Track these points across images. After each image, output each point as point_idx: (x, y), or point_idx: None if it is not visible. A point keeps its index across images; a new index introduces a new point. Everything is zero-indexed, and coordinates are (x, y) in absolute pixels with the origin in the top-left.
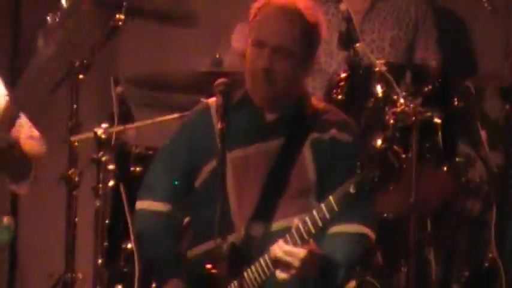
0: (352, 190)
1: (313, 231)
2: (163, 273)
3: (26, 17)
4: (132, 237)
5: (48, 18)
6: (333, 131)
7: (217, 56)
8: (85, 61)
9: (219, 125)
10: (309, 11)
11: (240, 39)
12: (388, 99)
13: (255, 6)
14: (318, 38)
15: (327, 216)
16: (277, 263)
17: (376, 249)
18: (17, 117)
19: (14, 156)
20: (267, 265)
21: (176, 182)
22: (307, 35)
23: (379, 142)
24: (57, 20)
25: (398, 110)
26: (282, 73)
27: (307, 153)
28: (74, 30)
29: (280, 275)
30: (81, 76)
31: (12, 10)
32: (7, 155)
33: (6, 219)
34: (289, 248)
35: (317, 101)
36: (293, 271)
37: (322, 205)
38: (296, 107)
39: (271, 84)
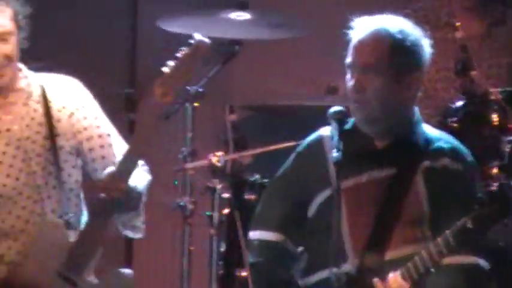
0: (470, 225)
1: (430, 265)
2: None
3: (142, 53)
4: (246, 265)
5: (165, 68)
6: (446, 160)
7: (332, 84)
8: (200, 89)
9: (334, 153)
10: (400, 35)
11: None
12: (504, 128)
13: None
14: (414, 59)
15: (444, 251)
16: None
17: (491, 278)
18: (135, 167)
19: (129, 200)
20: None
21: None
22: (397, 54)
23: (494, 171)
24: (173, 68)
25: None
26: (372, 92)
27: (419, 182)
28: (190, 76)
29: None
30: (196, 104)
31: (129, 46)
32: (124, 202)
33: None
34: (403, 283)
35: (430, 129)
36: None
37: (439, 239)
38: (407, 134)
39: (364, 104)
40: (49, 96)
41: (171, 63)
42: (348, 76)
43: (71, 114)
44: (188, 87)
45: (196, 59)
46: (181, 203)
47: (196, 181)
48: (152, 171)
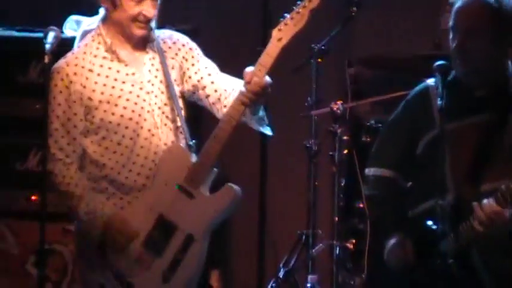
0: None
1: None
2: (389, 229)
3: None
4: (363, 198)
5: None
6: None
7: (437, 41)
8: (323, 47)
9: (438, 101)
10: (496, 3)
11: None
12: None
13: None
14: (508, 24)
15: None
16: (482, 217)
17: None
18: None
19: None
20: (474, 221)
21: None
22: (495, 20)
23: None
24: (288, 17)
25: None
26: (473, 52)
27: None
28: (302, 26)
29: (479, 227)
30: (319, 60)
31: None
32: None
33: None
34: (496, 207)
35: None
36: (493, 227)
37: None
38: (502, 85)
39: (467, 61)
40: (163, 47)
41: (287, 14)
42: (451, 36)
43: (181, 62)
44: (313, 45)
45: (307, 11)
46: (308, 145)
47: (320, 125)
48: (284, 117)
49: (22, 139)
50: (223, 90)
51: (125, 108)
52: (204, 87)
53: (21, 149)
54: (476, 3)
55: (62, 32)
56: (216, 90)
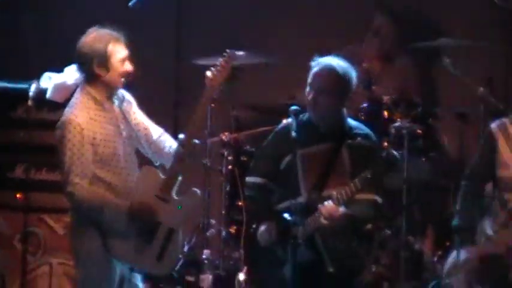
0: (369, 176)
1: (345, 198)
2: (261, 218)
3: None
4: (242, 198)
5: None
6: (360, 139)
7: (291, 94)
8: (214, 96)
9: (293, 134)
10: (341, 69)
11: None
12: (391, 119)
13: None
14: (348, 85)
15: (354, 190)
16: (325, 214)
17: (382, 209)
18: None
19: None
20: (318, 216)
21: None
22: (339, 82)
23: (385, 144)
24: (216, 70)
25: (397, 125)
26: (322, 105)
27: (345, 152)
28: (227, 76)
29: (323, 221)
30: (213, 105)
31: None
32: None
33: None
34: (333, 206)
35: (351, 120)
36: (331, 221)
37: (351, 184)
38: (338, 124)
39: (317, 111)
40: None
41: (213, 68)
42: (307, 91)
43: (132, 113)
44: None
45: (229, 64)
46: (205, 162)
47: (213, 149)
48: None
49: (12, 156)
50: (155, 133)
51: (113, 142)
52: (145, 128)
53: (10, 163)
54: (327, 69)
55: (39, 84)
56: (151, 134)
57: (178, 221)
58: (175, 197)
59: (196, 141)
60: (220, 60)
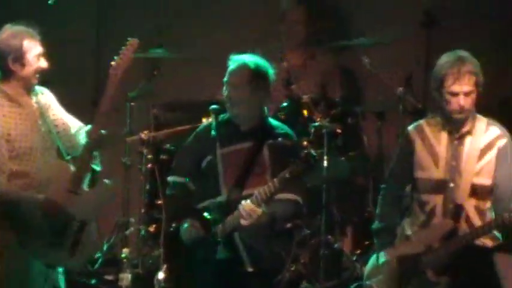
0: (288, 175)
1: (265, 197)
2: (182, 216)
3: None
4: (161, 196)
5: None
6: (280, 139)
7: (212, 92)
8: (134, 94)
9: (213, 133)
10: (255, 66)
11: None
12: (310, 118)
13: None
14: (264, 81)
15: (272, 189)
16: (244, 213)
17: (303, 208)
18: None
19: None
20: (238, 215)
21: (188, 179)
22: (254, 78)
23: (305, 143)
24: (118, 58)
25: (316, 124)
26: (237, 100)
27: (265, 151)
28: (129, 64)
29: (243, 221)
30: (132, 103)
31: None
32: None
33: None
34: (252, 206)
35: (272, 120)
36: (251, 220)
37: (270, 183)
38: (259, 123)
39: (233, 107)
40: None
41: (116, 57)
42: (224, 89)
43: (51, 109)
44: (128, 93)
45: (132, 52)
46: (124, 160)
47: (132, 148)
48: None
49: None
50: (73, 127)
51: (30, 137)
52: (64, 123)
53: None
54: (240, 66)
55: None
56: (69, 128)
57: (90, 213)
58: (86, 189)
59: (103, 131)
60: (123, 49)
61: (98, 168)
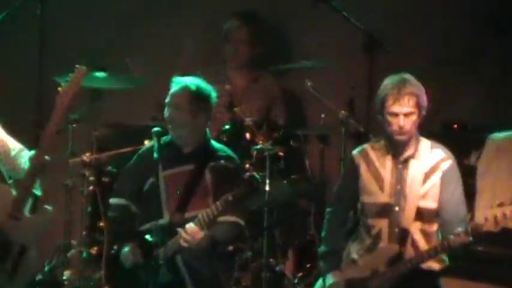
0: (231, 198)
1: (207, 220)
2: (124, 239)
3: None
4: (103, 219)
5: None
6: (223, 161)
7: (153, 115)
8: (77, 117)
9: (155, 155)
10: (196, 88)
11: None
12: (252, 141)
13: None
14: (205, 103)
15: (216, 212)
16: (185, 236)
17: (244, 230)
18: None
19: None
20: (179, 238)
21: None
22: (194, 100)
23: (247, 166)
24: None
25: (258, 147)
26: (178, 122)
27: (207, 174)
28: (77, 88)
29: (183, 243)
30: (74, 125)
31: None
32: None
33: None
34: (196, 229)
35: (215, 143)
36: (192, 242)
37: (213, 206)
38: (201, 145)
39: (174, 129)
40: None
41: (64, 83)
42: (166, 110)
43: None
44: (70, 115)
45: (79, 79)
46: (66, 183)
47: (74, 170)
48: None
49: None
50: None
51: None
52: (2, 145)
53: None
54: (181, 88)
55: None
56: (9, 149)
57: (30, 238)
58: (27, 215)
59: (47, 157)
60: (70, 76)
61: (39, 193)
